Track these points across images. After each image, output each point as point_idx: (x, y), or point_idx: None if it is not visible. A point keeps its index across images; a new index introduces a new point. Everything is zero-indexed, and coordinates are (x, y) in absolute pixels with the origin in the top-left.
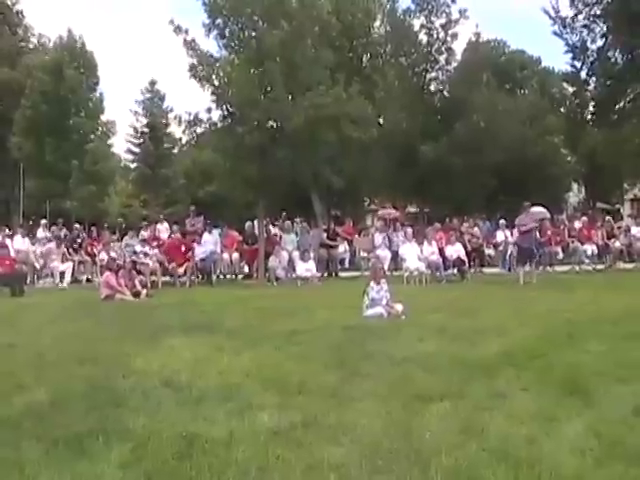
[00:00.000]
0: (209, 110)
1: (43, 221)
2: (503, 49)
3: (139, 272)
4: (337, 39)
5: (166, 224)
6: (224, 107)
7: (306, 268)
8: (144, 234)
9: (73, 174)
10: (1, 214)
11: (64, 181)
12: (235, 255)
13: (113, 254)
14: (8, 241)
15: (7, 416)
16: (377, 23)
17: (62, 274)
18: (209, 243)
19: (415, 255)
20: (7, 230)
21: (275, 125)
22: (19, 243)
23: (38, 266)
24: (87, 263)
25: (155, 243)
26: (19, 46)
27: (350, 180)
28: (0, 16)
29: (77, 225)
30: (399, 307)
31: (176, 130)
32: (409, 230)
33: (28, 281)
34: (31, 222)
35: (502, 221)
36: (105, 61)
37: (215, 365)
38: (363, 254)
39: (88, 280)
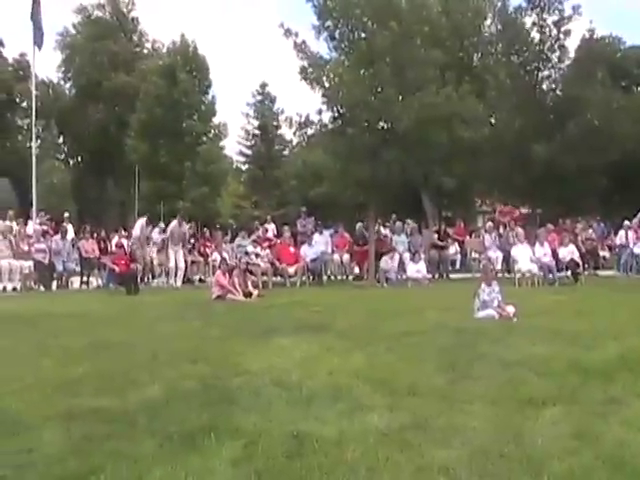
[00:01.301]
0: (320, 112)
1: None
2: (619, 45)
3: (251, 272)
4: (447, 39)
5: (273, 225)
6: (334, 108)
7: (417, 269)
8: (258, 234)
9: (186, 175)
10: (117, 215)
11: (177, 182)
12: (346, 256)
13: (225, 255)
14: (124, 241)
15: (123, 411)
16: (488, 22)
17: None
18: (320, 244)
19: (527, 257)
20: (123, 231)
21: (385, 126)
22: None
23: (155, 264)
24: (199, 263)
25: (266, 244)
26: (134, 52)
27: (461, 181)
28: (116, 23)
29: (189, 226)
30: (511, 309)
31: (287, 132)
32: (521, 231)
33: (143, 280)
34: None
35: (626, 222)
36: (217, 65)
37: (325, 365)
38: (474, 255)
39: (201, 280)
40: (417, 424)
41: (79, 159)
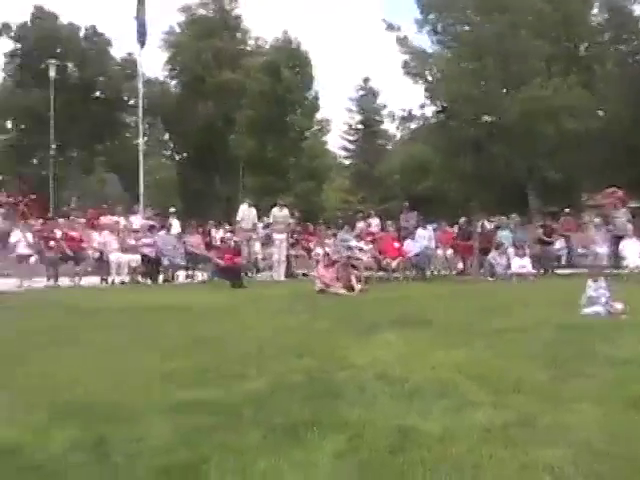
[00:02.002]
0: (422, 106)
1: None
2: None
3: (354, 267)
4: (553, 29)
5: (377, 219)
6: (437, 102)
7: (521, 264)
8: (359, 226)
9: (290, 170)
10: (224, 210)
11: (282, 177)
12: (449, 251)
13: (328, 249)
14: (229, 235)
15: (228, 403)
16: (595, 10)
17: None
18: (423, 238)
19: (636, 252)
20: (227, 225)
21: (489, 119)
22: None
23: (259, 258)
24: (303, 257)
25: (370, 238)
26: (238, 49)
27: (567, 174)
28: (220, 21)
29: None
30: (619, 306)
31: (390, 126)
32: (630, 226)
33: (248, 274)
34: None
35: None
36: (320, 60)
37: (428, 360)
38: (580, 251)
39: (304, 275)
40: (521, 422)
41: (185, 155)
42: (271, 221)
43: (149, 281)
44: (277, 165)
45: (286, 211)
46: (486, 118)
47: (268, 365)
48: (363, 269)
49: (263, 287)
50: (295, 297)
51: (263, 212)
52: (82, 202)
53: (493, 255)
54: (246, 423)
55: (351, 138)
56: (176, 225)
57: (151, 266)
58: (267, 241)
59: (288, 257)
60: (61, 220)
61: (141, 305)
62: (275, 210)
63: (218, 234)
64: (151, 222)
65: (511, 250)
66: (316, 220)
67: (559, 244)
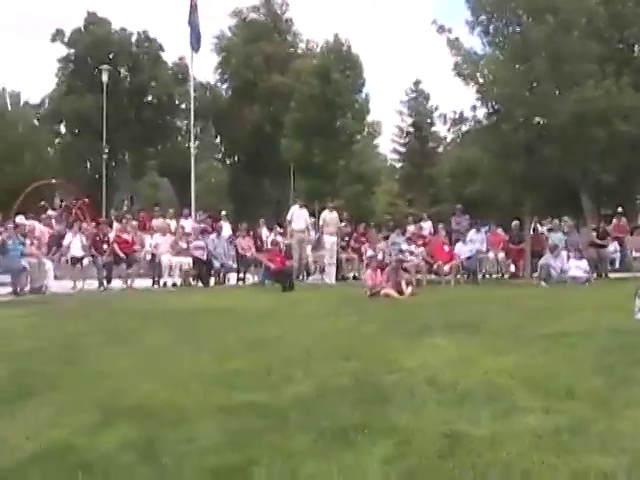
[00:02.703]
0: (474, 108)
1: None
2: None
3: (405, 270)
4: (605, 30)
5: (429, 222)
6: (489, 104)
7: (578, 266)
8: (411, 230)
9: (340, 174)
10: (274, 213)
11: (332, 181)
12: (501, 254)
13: (379, 252)
14: (280, 238)
15: (276, 406)
16: None
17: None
18: (475, 242)
19: None
20: (278, 227)
21: (541, 122)
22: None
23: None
24: (354, 260)
25: (421, 241)
26: (288, 52)
27: (621, 177)
28: (271, 24)
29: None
30: None
31: (441, 129)
32: None
33: (299, 277)
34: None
35: None
36: (370, 62)
37: (479, 365)
38: (635, 254)
39: (354, 277)
40: (573, 428)
41: (235, 159)
42: (321, 224)
43: (200, 284)
44: (326, 169)
45: (336, 214)
46: (537, 120)
47: (315, 368)
48: (414, 272)
49: (313, 290)
50: (344, 300)
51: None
52: (134, 205)
53: (547, 258)
54: (294, 426)
55: (402, 141)
56: (227, 228)
57: (202, 269)
58: (317, 244)
59: (339, 260)
60: (114, 223)
61: (192, 307)
62: (325, 213)
63: (269, 237)
64: (203, 225)
65: (564, 253)
66: (366, 223)
67: (612, 247)
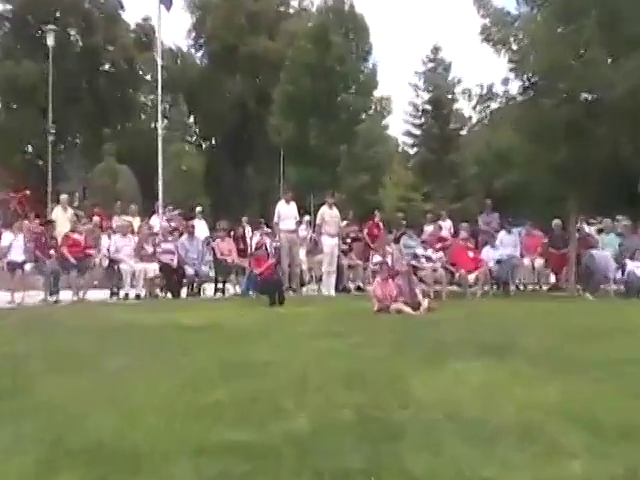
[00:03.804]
0: (506, 81)
1: (306, 217)
2: None
3: (420, 280)
4: None
5: (449, 221)
6: (525, 76)
7: (635, 267)
8: (428, 230)
9: (341, 161)
10: (259, 208)
11: (330, 169)
12: (539, 261)
13: (388, 257)
14: (267, 240)
15: (264, 444)
16: None
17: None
18: (507, 245)
19: None
20: (265, 227)
21: (590, 97)
22: None
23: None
24: (358, 268)
25: (440, 245)
26: (278, 11)
27: None
28: None
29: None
30: None
31: (465, 106)
32: None
33: (292, 287)
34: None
35: None
36: (378, 27)
37: (511, 397)
38: None
39: (359, 289)
40: (630, 475)
41: (212, 142)
42: (318, 222)
43: (170, 295)
44: (324, 154)
45: (336, 211)
46: (585, 95)
47: (311, 398)
48: (431, 283)
49: (308, 304)
50: (346, 316)
51: (301, 209)
52: (87, 199)
53: (590, 258)
54: (286, 469)
55: (417, 121)
56: (202, 227)
57: (172, 277)
58: (313, 248)
59: (339, 267)
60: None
61: (159, 324)
62: (324, 210)
63: (254, 238)
64: (173, 224)
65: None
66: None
67: None
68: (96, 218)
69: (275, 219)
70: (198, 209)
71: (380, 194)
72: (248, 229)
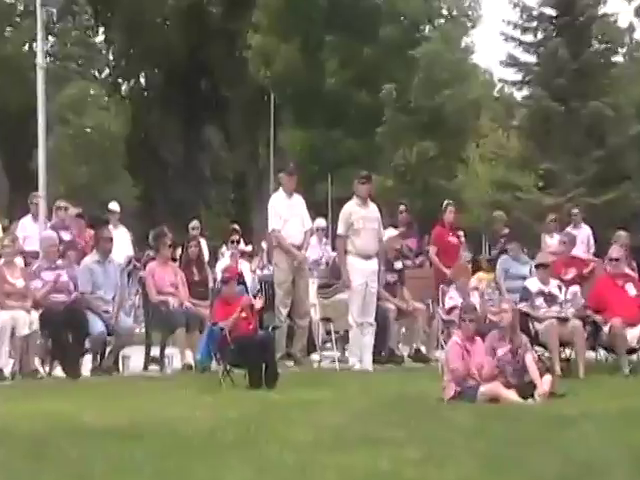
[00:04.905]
0: None
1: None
2: None
3: (536, 338)
4: None
5: (588, 229)
6: None
7: None
8: (550, 243)
9: (385, 116)
10: (231, 201)
11: (364, 133)
12: None
13: (474, 296)
14: (246, 264)
15: None
16: None
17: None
18: None
19: None
20: (242, 242)
21: None
22: None
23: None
24: (417, 316)
25: (571, 274)
26: None
27: None
28: None
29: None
30: None
31: (621, 10)
32: None
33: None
34: None
35: None
36: None
37: None
38: None
39: (417, 353)
40: None
41: (142, 81)
42: (341, 232)
43: (60, 370)
44: (348, 102)
45: (376, 210)
46: None
47: None
48: (557, 344)
49: (322, 385)
50: (395, 408)
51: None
52: None
53: None
54: None
55: (528, 39)
56: (123, 240)
57: (64, 336)
58: (331, 277)
59: (382, 315)
60: None
61: (42, 427)
62: (352, 207)
63: (221, 261)
64: (67, 235)
65: None
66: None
67: None
68: None
69: (274, 224)
70: (113, 206)
71: (459, 178)
72: (205, 245)
